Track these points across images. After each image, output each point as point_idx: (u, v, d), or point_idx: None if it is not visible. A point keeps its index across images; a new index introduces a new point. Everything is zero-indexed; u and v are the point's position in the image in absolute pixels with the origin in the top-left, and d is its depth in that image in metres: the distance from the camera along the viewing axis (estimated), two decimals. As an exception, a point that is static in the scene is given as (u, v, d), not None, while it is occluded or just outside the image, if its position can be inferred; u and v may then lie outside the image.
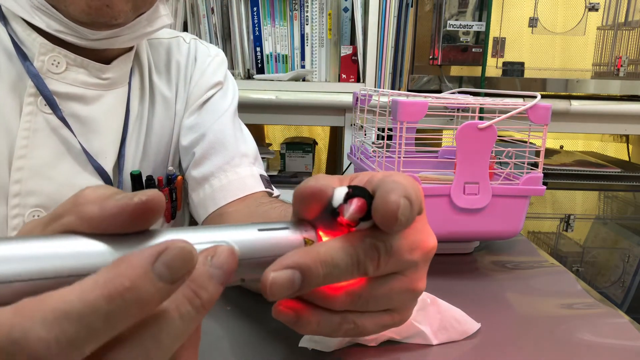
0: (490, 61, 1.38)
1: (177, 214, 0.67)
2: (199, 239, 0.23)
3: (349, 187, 0.27)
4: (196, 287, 0.20)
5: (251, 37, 1.35)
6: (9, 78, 0.52)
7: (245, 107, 1.34)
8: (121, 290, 0.17)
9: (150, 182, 0.61)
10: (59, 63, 0.53)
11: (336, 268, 0.26)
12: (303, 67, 1.37)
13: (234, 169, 0.62)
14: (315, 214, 0.28)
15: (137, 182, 0.59)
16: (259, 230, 0.25)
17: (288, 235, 0.26)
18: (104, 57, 0.57)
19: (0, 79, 0.52)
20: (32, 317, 0.16)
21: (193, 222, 0.69)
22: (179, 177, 0.64)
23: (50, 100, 0.52)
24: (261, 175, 0.64)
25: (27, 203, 0.52)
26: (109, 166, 0.57)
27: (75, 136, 0.54)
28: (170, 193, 0.63)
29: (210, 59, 0.68)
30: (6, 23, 0.53)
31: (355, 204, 0.26)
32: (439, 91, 1.29)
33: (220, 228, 0.24)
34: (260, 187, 0.62)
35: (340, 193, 0.27)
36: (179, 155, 0.66)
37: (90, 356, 0.17)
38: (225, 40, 1.36)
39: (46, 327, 0.16)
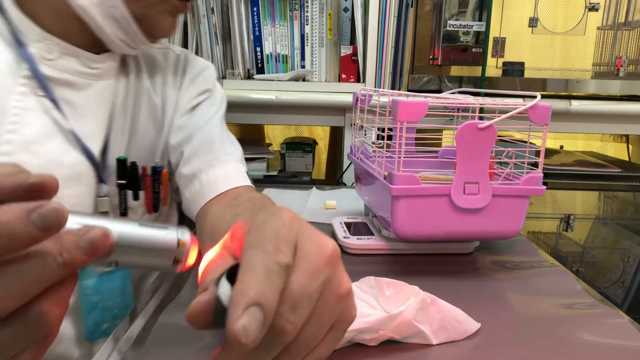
0: (490, 61, 1.38)
1: (162, 209, 0.70)
2: (87, 220, 0.27)
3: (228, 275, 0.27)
4: (62, 248, 0.24)
5: (251, 37, 1.35)
6: (5, 61, 0.56)
7: (245, 107, 1.34)
8: None
9: (134, 168, 0.65)
10: (52, 50, 0.57)
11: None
12: (303, 67, 1.37)
13: (221, 164, 0.65)
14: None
15: (122, 166, 0.64)
16: (140, 225, 0.29)
17: (164, 234, 0.29)
18: (94, 49, 0.60)
19: None
20: None
21: (182, 221, 0.72)
22: (164, 171, 0.68)
23: (43, 83, 0.56)
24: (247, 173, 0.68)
25: None
26: (95, 149, 0.60)
27: (65, 118, 0.58)
28: (153, 183, 0.67)
29: (199, 68, 0.73)
30: (3, 12, 0.57)
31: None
32: (439, 91, 1.29)
33: (109, 219, 0.28)
34: (247, 182, 0.65)
35: (224, 290, 0.26)
36: (167, 155, 0.69)
37: None
38: (225, 40, 1.36)
39: None
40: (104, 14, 0.56)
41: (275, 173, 1.46)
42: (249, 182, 0.66)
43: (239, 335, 0.23)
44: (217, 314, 0.27)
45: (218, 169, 0.64)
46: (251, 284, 0.24)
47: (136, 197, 0.66)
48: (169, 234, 0.29)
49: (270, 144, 1.71)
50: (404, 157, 0.56)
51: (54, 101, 0.57)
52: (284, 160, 1.50)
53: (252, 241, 0.27)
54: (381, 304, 0.45)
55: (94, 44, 0.59)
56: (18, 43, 0.56)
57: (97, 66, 0.60)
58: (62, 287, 0.25)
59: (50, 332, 0.25)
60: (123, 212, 0.64)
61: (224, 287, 0.27)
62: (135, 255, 0.28)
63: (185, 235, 0.30)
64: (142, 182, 0.66)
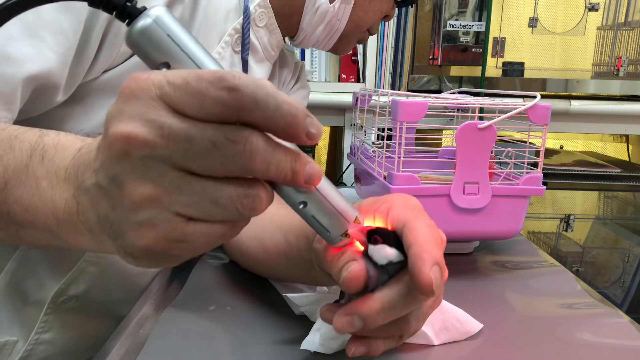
0: (490, 61, 1.38)
1: None
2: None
3: (378, 234, 0.33)
4: (296, 159, 0.27)
5: (251, 37, 1.35)
6: (227, 7, 0.56)
7: (245, 107, 1.34)
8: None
9: None
10: (263, 19, 0.58)
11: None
12: (303, 67, 1.37)
13: None
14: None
15: None
16: (338, 189, 0.31)
17: (349, 206, 0.32)
18: (283, 33, 0.62)
19: (220, 6, 0.56)
20: None
21: None
22: None
23: (245, 43, 0.57)
24: None
25: None
26: None
27: None
28: None
29: (305, 83, 0.76)
30: None
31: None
32: (439, 91, 1.29)
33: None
34: None
35: (380, 254, 0.33)
36: None
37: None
38: (225, 40, 1.36)
39: None
40: (328, 21, 0.59)
41: (275, 173, 1.46)
42: None
43: (430, 284, 0.30)
44: (372, 279, 0.33)
45: None
46: (431, 249, 0.31)
47: None
48: (352, 208, 0.32)
49: (270, 144, 1.71)
50: (403, 157, 0.56)
51: (244, 62, 0.58)
52: (284, 160, 1.50)
53: (411, 214, 0.35)
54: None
55: (287, 30, 0.61)
56: None
57: (274, 52, 0.62)
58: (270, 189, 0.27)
59: (251, 214, 0.26)
60: None
61: (384, 251, 0.33)
62: (322, 208, 0.30)
63: (361, 217, 0.32)
64: None
